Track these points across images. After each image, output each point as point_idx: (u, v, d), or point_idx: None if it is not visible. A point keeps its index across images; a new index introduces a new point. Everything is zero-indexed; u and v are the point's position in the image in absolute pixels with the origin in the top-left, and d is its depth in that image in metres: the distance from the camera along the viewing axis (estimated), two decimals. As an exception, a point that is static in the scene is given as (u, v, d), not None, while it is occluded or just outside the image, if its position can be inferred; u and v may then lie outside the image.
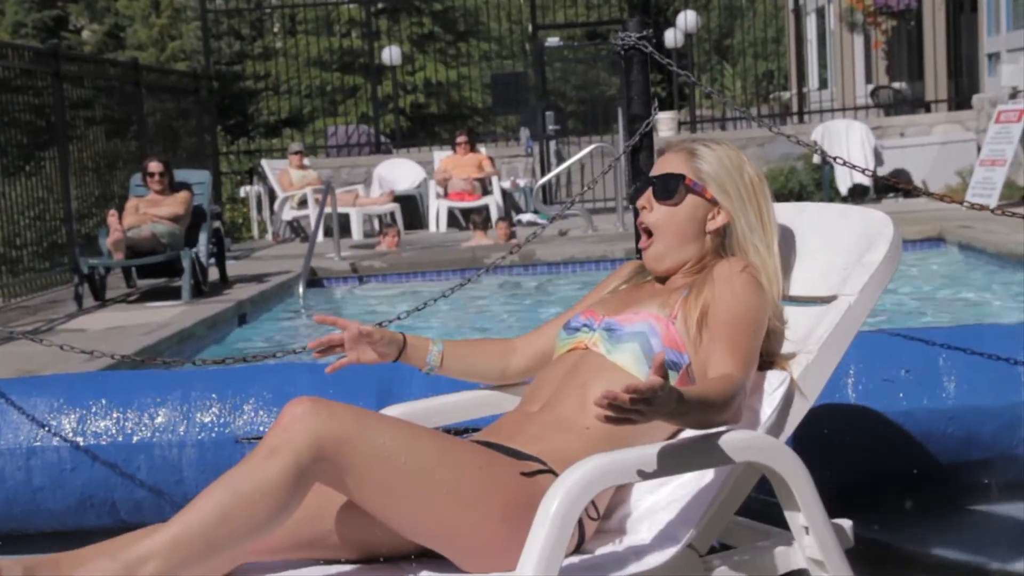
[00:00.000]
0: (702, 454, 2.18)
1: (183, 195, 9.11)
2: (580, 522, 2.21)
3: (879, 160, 13.65)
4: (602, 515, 2.34)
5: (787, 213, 2.65)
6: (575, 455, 2.18)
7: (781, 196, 12.17)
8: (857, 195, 13.40)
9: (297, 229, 14.32)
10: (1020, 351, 3.22)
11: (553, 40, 20.14)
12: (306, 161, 14.53)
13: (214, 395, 3.34)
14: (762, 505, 2.53)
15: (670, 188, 2.53)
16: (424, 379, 3.05)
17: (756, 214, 2.52)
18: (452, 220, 14.06)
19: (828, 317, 2.42)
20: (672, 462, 2.14)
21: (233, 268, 10.25)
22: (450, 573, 2.18)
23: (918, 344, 3.29)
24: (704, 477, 2.31)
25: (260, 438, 2.21)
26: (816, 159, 13.45)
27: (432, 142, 18.36)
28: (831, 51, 21.03)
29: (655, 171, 2.59)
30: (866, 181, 13.33)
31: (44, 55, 9.97)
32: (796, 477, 2.26)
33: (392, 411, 2.60)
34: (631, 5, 23.75)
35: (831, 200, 12.81)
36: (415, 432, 2.18)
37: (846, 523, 2.44)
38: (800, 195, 13.44)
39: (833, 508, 2.36)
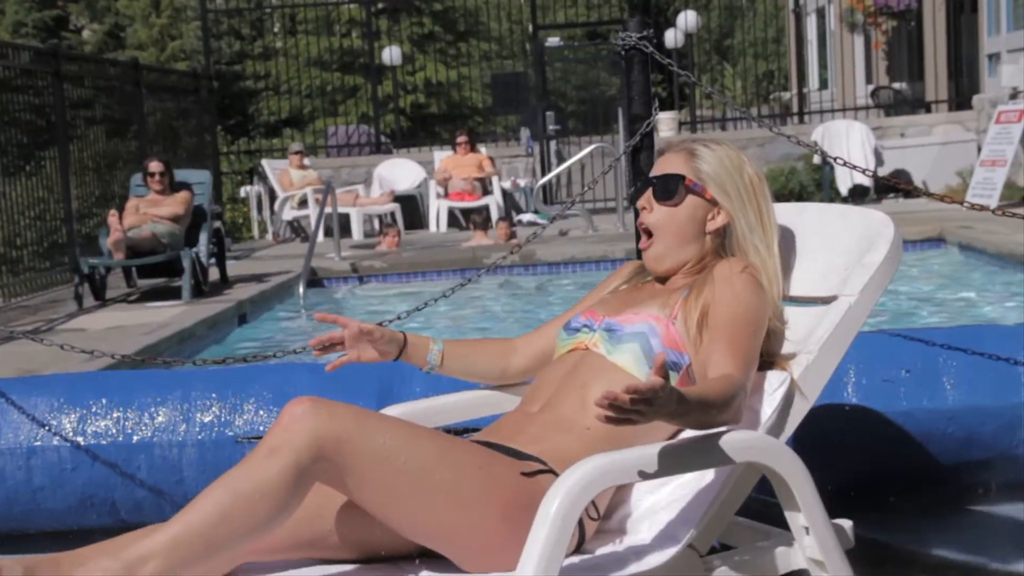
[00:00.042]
0: (702, 454, 2.18)
1: (183, 195, 9.11)
2: (580, 522, 2.21)
3: (879, 160, 13.64)
4: (602, 515, 2.34)
5: (787, 213, 2.65)
6: (575, 455, 2.18)
7: (781, 196, 12.18)
8: (857, 195, 13.40)
9: (297, 229, 14.32)
10: (1020, 351, 3.22)
11: (553, 40, 20.12)
12: (306, 161, 14.52)
13: (214, 395, 3.35)
14: (762, 505, 2.53)
15: (670, 188, 2.53)
16: (425, 379, 3.06)
17: (756, 214, 2.52)
18: (452, 220, 14.05)
19: (828, 317, 2.43)
20: (672, 462, 2.14)
21: (233, 268, 10.25)
22: (450, 573, 2.18)
23: (918, 344, 3.29)
24: (704, 477, 2.31)
25: (260, 438, 2.20)
26: (816, 159, 13.44)
27: (432, 142, 18.35)
28: (831, 51, 21.02)
29: (655, 171, 2.59)
30: (866, 181, 13.33)
31: (44, 55, 9.97)
32: (796, 477, 2.27)
33: (392, 411, 2.60)
34: (631, 5, 23.74)
35: (831, 200, 12.80)
36: (415, 432, 2.18)
37: (846, 523, 2.44)
38: (800, 195, 13.43)
39: (833, 508, 2.36)
